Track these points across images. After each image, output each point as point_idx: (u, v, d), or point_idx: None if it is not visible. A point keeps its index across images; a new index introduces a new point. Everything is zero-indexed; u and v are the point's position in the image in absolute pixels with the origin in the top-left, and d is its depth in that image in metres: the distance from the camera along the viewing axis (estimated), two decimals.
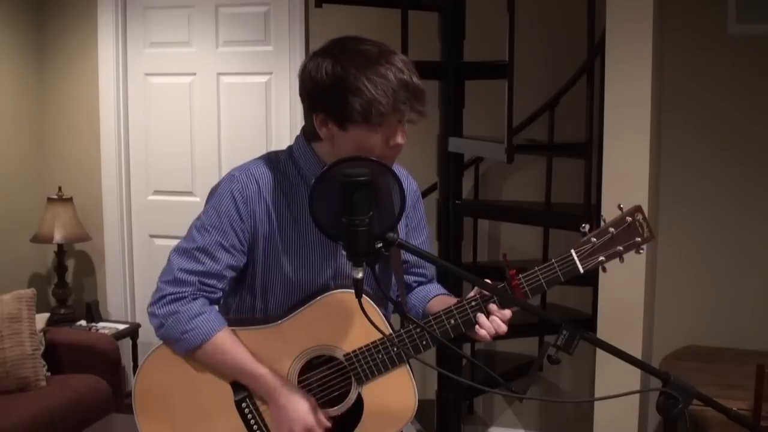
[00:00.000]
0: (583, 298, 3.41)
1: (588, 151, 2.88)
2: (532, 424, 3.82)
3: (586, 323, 2.96)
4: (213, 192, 1.67)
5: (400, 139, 1.53)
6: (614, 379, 2.76)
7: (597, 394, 2.93)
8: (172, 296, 1.61)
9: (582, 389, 3.67)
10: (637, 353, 2.76)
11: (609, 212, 2.75)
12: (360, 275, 1.36)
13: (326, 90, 1.52)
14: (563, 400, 3.71)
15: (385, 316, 1.63)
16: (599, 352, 2.69)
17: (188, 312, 1.60)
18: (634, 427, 2.88)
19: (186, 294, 1.61)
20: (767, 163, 3.30)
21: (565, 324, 1.40)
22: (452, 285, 3.32)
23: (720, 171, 3.36)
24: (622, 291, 2.87)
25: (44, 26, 4.30)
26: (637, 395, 2.83)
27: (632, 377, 2.70)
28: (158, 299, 1.62)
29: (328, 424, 1.62)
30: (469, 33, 3.29)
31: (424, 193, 3.39)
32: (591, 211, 2.87)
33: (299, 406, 1.60)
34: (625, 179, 2.79)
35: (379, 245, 1.38)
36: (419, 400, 1.65)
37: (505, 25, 2.86)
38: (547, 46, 3.56)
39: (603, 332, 2.81)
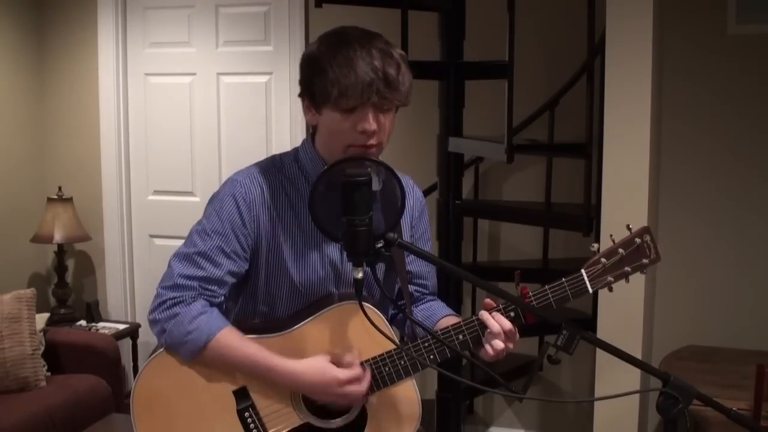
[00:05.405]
0: (583, 298, 3.40)
1: (588, 151, 2.87)
2: (532, 424, 3.82)
3: (586, 323, 2.95)
4: (215, 196, 1.64)
5: (368, 126, 1.50)
6: (614, 379, 2.76)
7: (597, 394, 2.93)
8: (172, 300, 1.57)
9: (582, 389, 3.67)
10: (637, 353, 2.76)
11: (609, 212, 2.79)
12: (360, 275, 1.36)
13: (303, 71, 1.56)
14: (563, 400, 3.71)
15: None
16: (599, 352, 2.69)
17: (189, 313, 1.56)
18: (634, 427, 2.88)
19: (186, 297, 1.57)
20: (767, 164, 3.31)
21: (565, 324, 1.40)
22: (452, 285, 3.33)
23: (720, 171, 3.36)
24: (622, 291, 2.86)
25: (44, 26, 4.30)
26: (637, 395, 2.83)
27: (632, 377, 2.70)
28: (158, 305, 1.58)
29: (354, 370, 1.56)
30: (469, 33, 3.29)
31: (424, 194, 3.39)
32: (591, 211, 2.87)
33: (323, 369, 1.54)
34: (625, 179, 2.79)
35: (380, 245, 1.38)
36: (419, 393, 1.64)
37: (505, 25, 2.86)
38: (547, 46, 3.56)
39: (603, 332, 2.81)
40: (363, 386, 1.56)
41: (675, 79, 3.34)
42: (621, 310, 2.83)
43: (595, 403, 3.01)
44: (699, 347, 3.31)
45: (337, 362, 1.56)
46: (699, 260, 3.41)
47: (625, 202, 2.80)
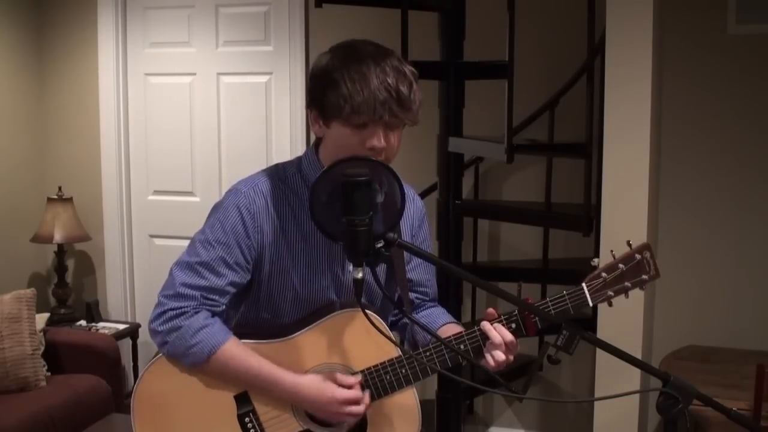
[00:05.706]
0: None
1: (588, 151, 2.87)
2: (532, 424, 3.82)
3: (586, 323, 2.95)
4: (218, 206, 1.64)
5: (376, 142, 1.50)
6: (614, 379, 2.76)
7: (597, 394, 2.93)
8: (174, 312, 1.57)
9: (582, 389, 3.67)
10: (637, 353, 2.76)
11: (609, 212, 2.79)
12: (360, 275, 1.36)
13: (314, 83, 1.55)
14: (563, 400, 3.71)
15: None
16: (599, 352, 2.69)
17: (192, 326, 1.56)
18: (634, 427, 2.88)
19: (188, 309, 1.57)
20: (767, 164, 3.31)
21: (565, 324, 1.40)
22: (452, 285, 3.32)
23: (720, 171, 3.36)
24: None
25: (44, 26, 4.30)
26: (637, 395, 2.83)
27: (632, 377, 2.70)
28: (159, 315, 1.58)
29: (354, 391, 1.58)
30: (469, 33, 3.29)
31: (424, 193, 3.40)
32: (591, 211, 2.87)
33: (324, 388, 1.56)
34: (625, 179, 2.79)
35: (380, 245, 1.38)
36: (419, 400, 1.65)
37: (505, 25, 2.86)
38: (547, 46, 3.56)
39: (603, 332, 2.81)
40: (361, 408, 1.57)
41: (675, 79, 3.34)
42: (621, 310, 2.82)
43: (595, 403, 3.01)
44: (699, 347, 3.31)
45: (339, 382, 1.57)
46: (699, 260, 3.41)
47: (625, 202, 2.80)
